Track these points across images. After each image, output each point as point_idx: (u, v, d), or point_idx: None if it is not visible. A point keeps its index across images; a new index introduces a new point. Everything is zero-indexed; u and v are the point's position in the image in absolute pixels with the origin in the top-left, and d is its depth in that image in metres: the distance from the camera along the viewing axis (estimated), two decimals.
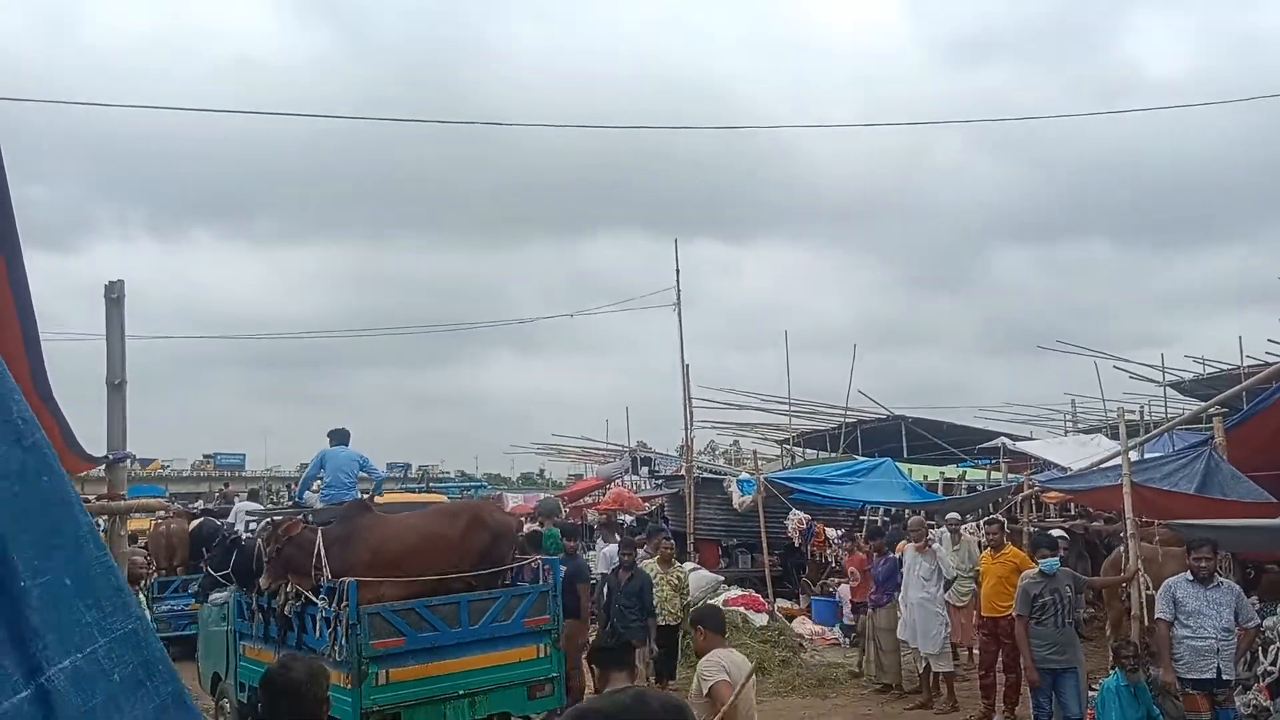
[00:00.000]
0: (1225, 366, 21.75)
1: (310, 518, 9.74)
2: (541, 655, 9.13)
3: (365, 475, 11.38)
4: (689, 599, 11.92)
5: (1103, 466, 12.85)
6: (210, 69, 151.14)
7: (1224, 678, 7.87)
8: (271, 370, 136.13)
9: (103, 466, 5.55)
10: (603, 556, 15.36)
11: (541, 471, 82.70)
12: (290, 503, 11.95)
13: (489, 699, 8.81)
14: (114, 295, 5.62)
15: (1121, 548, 10.50)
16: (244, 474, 68.65)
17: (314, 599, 8.60)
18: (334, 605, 8.27)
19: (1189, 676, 7.90)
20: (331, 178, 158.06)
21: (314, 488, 11.69)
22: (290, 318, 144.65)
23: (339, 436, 10.96)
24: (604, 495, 24.62)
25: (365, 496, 11.06)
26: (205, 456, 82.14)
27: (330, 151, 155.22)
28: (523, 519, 16.19)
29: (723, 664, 5.71)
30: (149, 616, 10.57)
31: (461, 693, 8.62)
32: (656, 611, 11.25)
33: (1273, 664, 9.12)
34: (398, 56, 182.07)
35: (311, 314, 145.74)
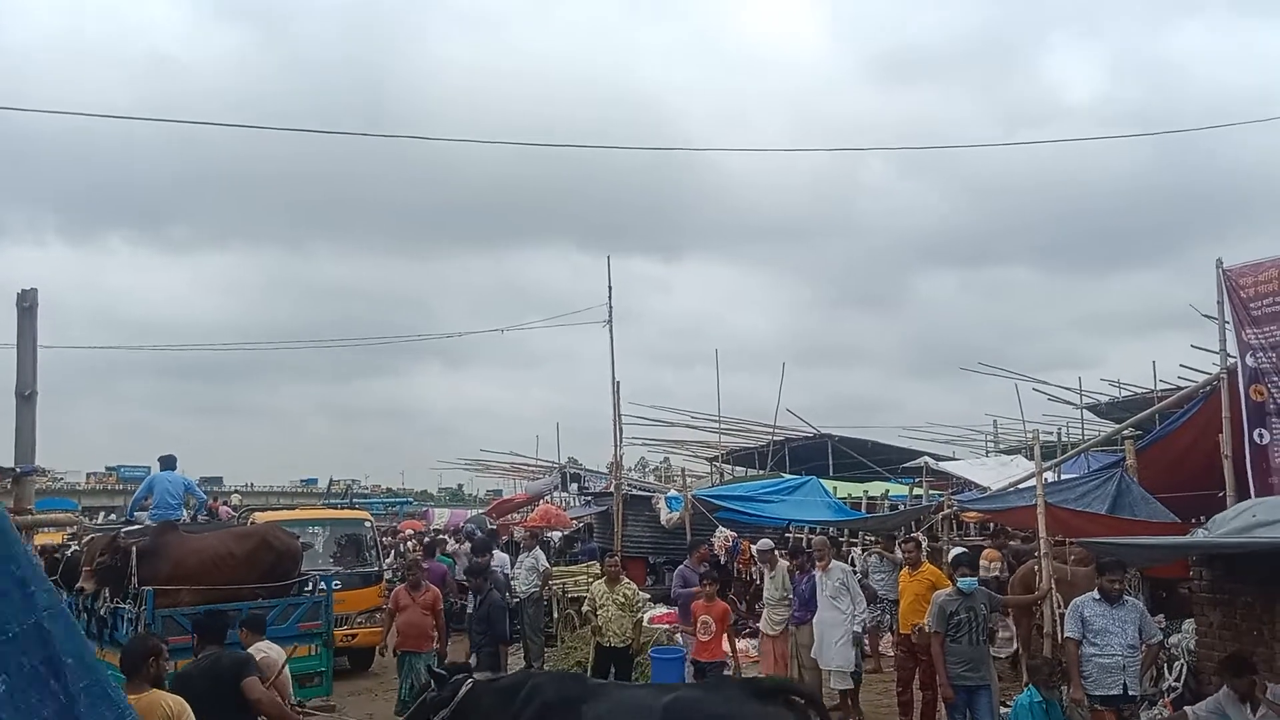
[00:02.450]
0: (1140, 390, 22.33)
1: (126, 533, 11.23)
2: (312, 654, 11.08)
3: (191, 497, 13.03)
4: (639, 615, 11.65)
5: (1019, 487, 13.17)
6: (127, 69, 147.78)
7: (1130, 694, 8.07)
8: (186, 380, 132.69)
9: (9, 480, 5.42)
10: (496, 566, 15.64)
11: (460, 487, 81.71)
12: (123, 520, 13.54)
13: None
14: (26, 304, 5.51)
15: (1031, 562, 10.76)
16: None
17: (122, 603, 10.17)
18: (136, 608, 9.90)
19: (1097, 693, 8.07)
20: (252, 184, 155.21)
21: (144, 506, 13.07)
22: (208, 326, 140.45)
23: (167, 462, 12.24)
24: (532, 511, 24.54)
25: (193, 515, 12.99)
26: (109, 469, 78.92)
27: (251, 156, 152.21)
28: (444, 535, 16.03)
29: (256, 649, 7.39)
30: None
31: None
32: (603, 631, 11.23)
33: (1177, 680, 9.42)
34: (321, 62, 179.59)
35: (230, 323, 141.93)
